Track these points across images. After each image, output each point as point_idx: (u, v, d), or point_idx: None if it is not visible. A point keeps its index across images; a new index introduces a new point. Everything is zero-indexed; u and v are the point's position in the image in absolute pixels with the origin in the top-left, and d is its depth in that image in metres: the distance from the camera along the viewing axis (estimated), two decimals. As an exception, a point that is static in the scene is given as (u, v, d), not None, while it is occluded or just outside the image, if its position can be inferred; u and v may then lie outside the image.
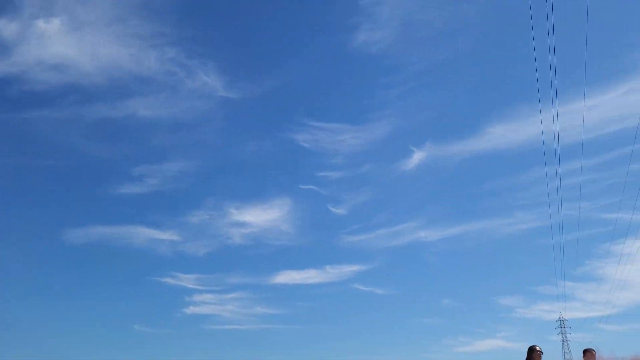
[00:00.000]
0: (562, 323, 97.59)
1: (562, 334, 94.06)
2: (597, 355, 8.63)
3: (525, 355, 8.37)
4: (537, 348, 8.56)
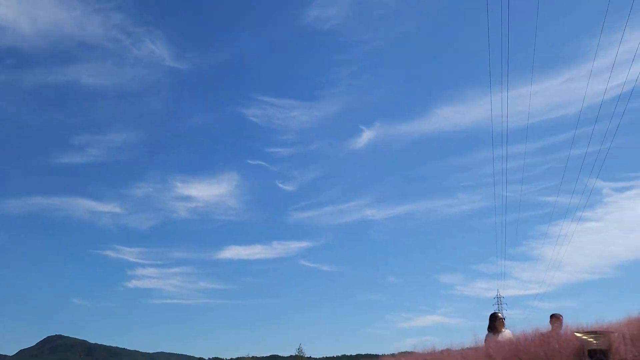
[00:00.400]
0: (499, 300, 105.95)
1: (499, 310, 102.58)
2: (563, 322, 7.97)
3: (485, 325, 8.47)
4: (500, 315, 8.59)
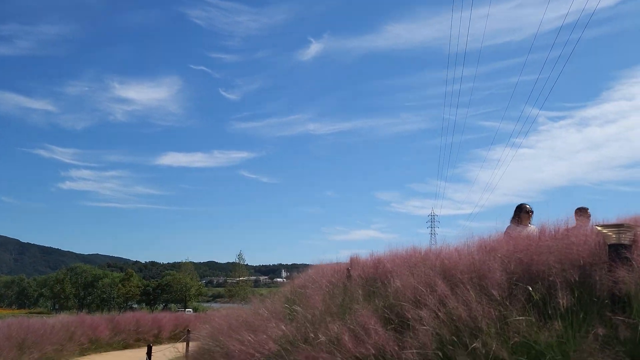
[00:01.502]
0: (432, 218, 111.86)
1: (432, 227, 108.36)
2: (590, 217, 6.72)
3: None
4: (528, 207, 7.42)
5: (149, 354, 10.38)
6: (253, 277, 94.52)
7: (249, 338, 6.90)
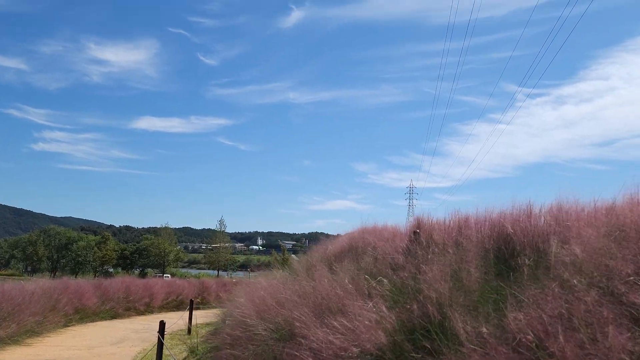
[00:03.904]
0: (411, 190, 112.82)
1: (410, 199, 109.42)
2: None
3: None
4: None
5: (161, 331, 8.26)
6: (228, 244, 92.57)
7: (337, 324, 4.84)
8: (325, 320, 5.31)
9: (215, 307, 16.53)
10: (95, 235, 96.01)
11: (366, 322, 4.62)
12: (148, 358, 10.17)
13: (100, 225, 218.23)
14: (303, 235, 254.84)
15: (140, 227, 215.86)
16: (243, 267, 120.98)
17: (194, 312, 14.92)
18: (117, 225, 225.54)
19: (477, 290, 4.44)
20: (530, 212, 6.43)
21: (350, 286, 5.51)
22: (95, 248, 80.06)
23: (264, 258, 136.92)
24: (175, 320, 14.94)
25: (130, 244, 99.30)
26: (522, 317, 3.48)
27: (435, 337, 3.96)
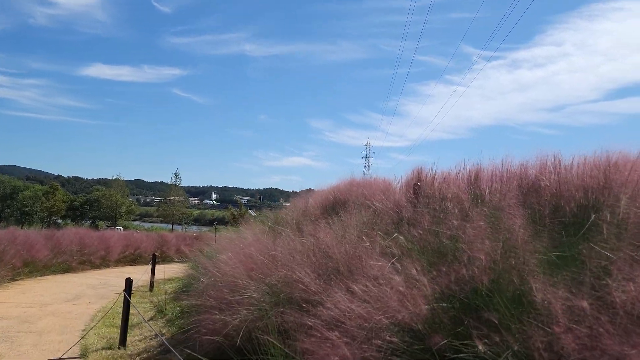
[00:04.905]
0: (367, 149, 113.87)
1: (366, 158, 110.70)
2: None
3: None
4: None
5: (128, 290, 7.32)
6: (183, 198, 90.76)
7: (358, 288, 4.03)
8: (333, 284, 4.50)
9: (178, 262, 15.58)
10: (42, 185, 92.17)
11: (400, 288, 3.81)
12: (109, 317, 9.22)
13: (47, 175, 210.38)
14: (258, 190, 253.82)
15: (90, 178, 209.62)
16: (197, 221, 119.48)
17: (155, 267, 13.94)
18: (66, 176, 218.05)
19: (536, 253, 3.67)
20: (560, 163, 5.74)
21: (368, 243, 4.66)
22: (43, 198, 76.82)
23: (218, 213, 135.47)
24: (134, 274, 13.93)
25: (80, 195, 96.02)
26: (632, 287, 2.72)
27: (503, 308, 3.18)
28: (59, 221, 77.66)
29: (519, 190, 5.48)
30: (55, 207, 76.44)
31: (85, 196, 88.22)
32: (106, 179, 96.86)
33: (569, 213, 4.54)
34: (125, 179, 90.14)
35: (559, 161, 5.78)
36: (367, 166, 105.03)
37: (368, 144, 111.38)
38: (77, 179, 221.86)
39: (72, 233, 17.94)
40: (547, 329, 2.82)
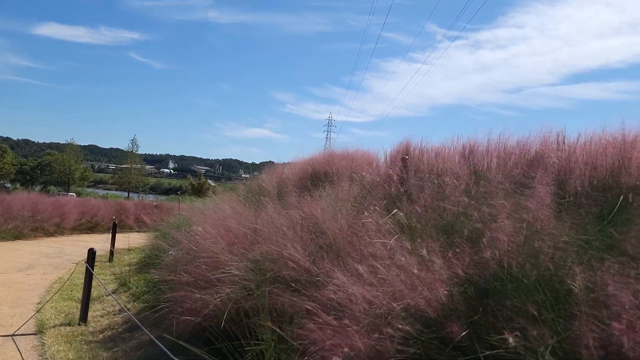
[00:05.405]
0: (329, 123, 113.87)
1: (328, 132, 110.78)
2: None
3: None
4: None
5: (90, 262, 6.74)
6: (140, 166, 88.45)
7: (363, 270, 3.62)
8: (327, 262, 4.11)
9: (139, 231, 14.90)
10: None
11: (413, 270, 3.42)
12: (66, 290, 8.60)
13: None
14: (217, 161, 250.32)
15: (41, 141, 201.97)
16: (153, 189, 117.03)
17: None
18: (15, 138, 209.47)
19: (565, 235, 3.33)
20: (564, 141, 5.44)
21: (370, 219, 4.24)
22: (-10, 161, 73.48)
23: (175, 182, 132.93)
24: (92, 243, 13.20)
25: (31, 158, 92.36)
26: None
27: (541, 295, 2.82)
28: (8, 185, 74.53)
29: (527, 166, 5.17)
30: (4, 170, 73.22)
31: (36, 160, 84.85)
32: (58, 143, 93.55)
33: (581, 193, 4.24)
34: (79, 144, 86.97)
35: (563, 138, 5.48)
36: (328, 140, 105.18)
37: (330, 118, 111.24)
38: (27, 142, 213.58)
39: (24, 198, 16.92)
40: (600, 324, 2.47)
